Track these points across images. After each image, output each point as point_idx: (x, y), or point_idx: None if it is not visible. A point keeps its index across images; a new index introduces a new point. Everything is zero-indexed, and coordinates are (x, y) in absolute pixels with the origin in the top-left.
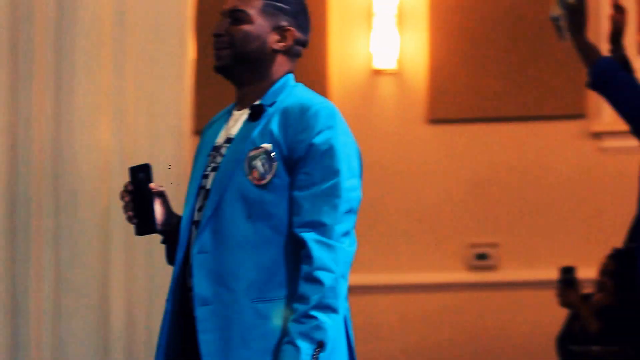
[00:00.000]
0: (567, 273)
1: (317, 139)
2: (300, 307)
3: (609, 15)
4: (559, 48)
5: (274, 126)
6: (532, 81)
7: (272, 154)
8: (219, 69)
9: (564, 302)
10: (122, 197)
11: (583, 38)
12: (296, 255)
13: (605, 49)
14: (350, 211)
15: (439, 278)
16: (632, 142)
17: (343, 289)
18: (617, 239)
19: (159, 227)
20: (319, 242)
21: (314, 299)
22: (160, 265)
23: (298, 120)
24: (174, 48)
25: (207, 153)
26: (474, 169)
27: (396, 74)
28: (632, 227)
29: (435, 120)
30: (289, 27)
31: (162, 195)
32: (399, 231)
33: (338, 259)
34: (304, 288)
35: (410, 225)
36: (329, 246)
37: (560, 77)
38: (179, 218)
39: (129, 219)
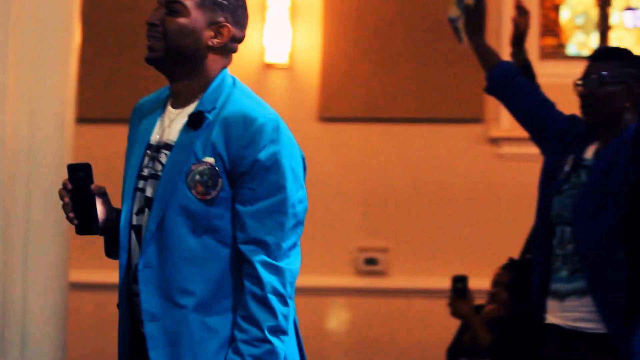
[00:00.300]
0: (459, 282)
1: (262, 155)
2: (252, 330)
3: (511, 18)
4: (458, 50)
5: (216, 139)
6: (429, 82)
7: (216, 169)
8: (150, 61)
9: (455, 313)
10: (62, 197)
11: (481, 41)
12: (241, 266)
13: (507, 52)
14: (296, 225)
15: (327, 282)
16: (531, 149)
17: (292, 309)
18: (514, 249)
19: (101, 226)
20: (265, 264)
21: (268, 324)
22: (35, 256)
23: (241, 135)
24: (59, 32)
25: (141, 151)
26: (366, 170)
27: (288, 69)
28: (529, 237)
29: (327, 118)
30: (225, 24)
31: (103, 194)
32: None
33: (285, 281)
34: (257, 311)
35: None
36: (275, 268)
37: (459, 80)
38: (118, 212)
39: (70, 219)
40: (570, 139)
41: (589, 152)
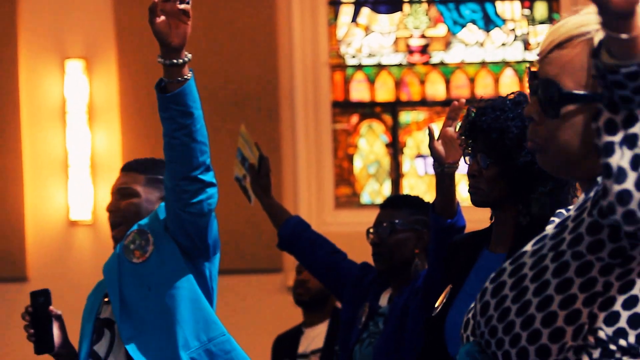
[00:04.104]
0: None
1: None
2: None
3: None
4: (251, 205)
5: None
6: (229, 235)
7: (143, 229)
8: (117, 240)
9: None
10: (24, 318)
11: (269, 199)
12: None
13: (304, 208)
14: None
15: None
16: None
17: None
18: None
19: (56, 349)
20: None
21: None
22: None
23: None
24: None
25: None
26: None
27: (92, 225)
28: None
29: None
30: None
31: (59, 318)
32: None
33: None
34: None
35: None
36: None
37: (257, 232)
38: (73, 349)
39: (29, 337)
40: (364, 287)
41: (384, 299)
